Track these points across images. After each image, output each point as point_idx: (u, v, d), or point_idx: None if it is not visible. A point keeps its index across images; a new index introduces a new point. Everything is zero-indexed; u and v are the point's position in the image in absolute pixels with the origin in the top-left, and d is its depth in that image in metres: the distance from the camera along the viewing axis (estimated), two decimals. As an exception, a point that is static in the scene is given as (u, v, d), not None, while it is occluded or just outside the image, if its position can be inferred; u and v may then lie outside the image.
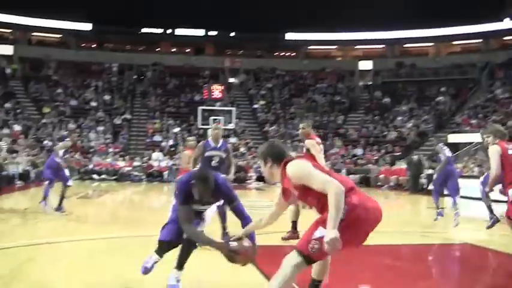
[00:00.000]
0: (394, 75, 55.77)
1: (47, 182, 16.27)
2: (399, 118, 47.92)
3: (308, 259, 5.32)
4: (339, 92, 54.64)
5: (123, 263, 8.57)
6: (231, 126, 38.59)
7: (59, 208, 15.86)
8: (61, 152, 16.43)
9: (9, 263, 8.46)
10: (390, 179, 34.23)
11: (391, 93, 52.39)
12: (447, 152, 16.66)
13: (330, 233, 4.99)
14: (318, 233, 5.26)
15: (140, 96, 51.33)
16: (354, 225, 5.30)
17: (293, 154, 6.07)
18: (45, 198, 16.04)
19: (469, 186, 27.48)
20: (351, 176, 38.05)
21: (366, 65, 58.23)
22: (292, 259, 5.31)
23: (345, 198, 5.25)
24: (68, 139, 17.06)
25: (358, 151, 42.66)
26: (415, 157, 32.68)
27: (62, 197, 16.13)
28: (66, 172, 16.46)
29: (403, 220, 17.21)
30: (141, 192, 28.54)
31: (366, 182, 36.48)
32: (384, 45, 59.23)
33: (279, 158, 5.76)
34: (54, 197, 16.50)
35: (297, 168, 5.52)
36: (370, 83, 56.00)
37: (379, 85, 54.97)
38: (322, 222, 5.28)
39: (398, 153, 39.86)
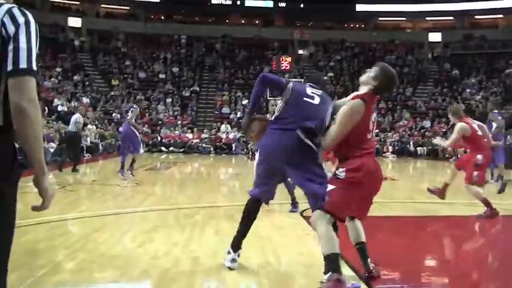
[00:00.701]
0: (463, 47, 54.98)
1: (125, 152, 17.95)
2: (468, 90, 47.31)
3: (330, 213, 5.62)
4: (408, 64, 54.02)
5: (189, 234, 8.60)
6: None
7: (130, 168, 17.73)
8: (133, 121, 17.66)
9: (76, 233, 8.57)
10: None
11: (460, 66, 51.68)
12: (501, 120, 16.75)
13: None
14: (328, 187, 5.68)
15: (209, 68, 51.61)
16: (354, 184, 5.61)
17: None
18: (122, 167, 17.53)
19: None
20: (418, 148, 37.81)
21: (435, 37, 57.27)
22: (319, 217, 5.66)
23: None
24: (135, 106, 18.21)
25: (427, 123, 42.25)
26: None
27: (133, 161, 17.84)
28: (139, 139, 17.91)
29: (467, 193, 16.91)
30: (208, 165, 28.69)
31: (433, 154, 36.17)
32: (453, 17, 58.22)
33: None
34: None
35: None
36: (439, 55, 55.03)
37: (448, 57, 54.10)
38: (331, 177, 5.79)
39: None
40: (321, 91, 6.61)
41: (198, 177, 21.68)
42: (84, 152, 29.02)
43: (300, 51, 55.59)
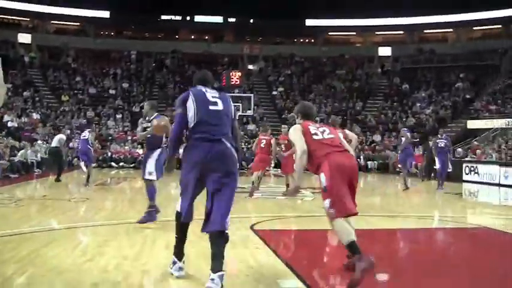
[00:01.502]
0: (413, 61, 55.58)
1: (82, 163, 21.63)
2: (418, 104, 47.81)
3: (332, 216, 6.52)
4: (358, 78, 54.55)
5: (140, 247, 8.62)
6: (249, 112, 38.59)
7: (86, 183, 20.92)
8: (91, 140, 21.05)
9: (26, 247, 8.50)
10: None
11: (410, 80, 52.32)
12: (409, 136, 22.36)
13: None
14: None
15: (159, 84, 51.48)
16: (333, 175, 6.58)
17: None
18: (88, 178, 21.00)
19: (488, 172, 27.50)
20: (369, 162, 38.11)
21: (385, 51, 57.96)
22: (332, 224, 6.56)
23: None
24: (90, 129, 21.52)
25: (377, 137, 42.59)
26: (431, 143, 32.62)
27: (88, 176, 21.10)
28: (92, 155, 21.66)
29: (417, 205, 17.24)
30: (159, 180, 28.52)
31: (384, 168, 36.51)
32: (403, 31, 59.03)
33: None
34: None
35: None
36: (389, 69, 55.60)
37: (398, 71, 54.75)
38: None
39: (416, 140, 39.62)
40: (217, 92, 6.86)
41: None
42: (35, 167, 28.75)
43: (250, 66, 55.71)
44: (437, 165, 23.36)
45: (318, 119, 10.79)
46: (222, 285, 5.91)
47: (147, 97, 48.19)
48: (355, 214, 6.64)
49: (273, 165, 34.64)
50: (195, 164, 6.40)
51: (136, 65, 54.45)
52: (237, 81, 43.00)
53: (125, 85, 50.16)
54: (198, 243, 7.63)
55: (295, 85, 52.71)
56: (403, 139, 22.21)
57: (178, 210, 6.70)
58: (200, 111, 6.50)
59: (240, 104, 37.95)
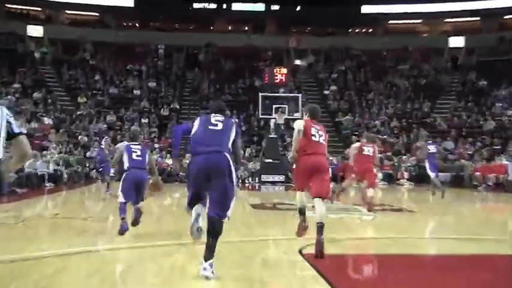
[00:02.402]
0: (492, 53, 54.43)
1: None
2: (498, 104, 46.92)
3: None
4: (425, 74, 54.09)
5: (168, 275, 8.55)
6: (297, 115, 38.43)
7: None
8: (107, 150, 22.80)
9: (36, 274, 8.46)
10: (488, 178, 33.50)
11: (488, 75, 51.22)
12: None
13: None
14: None
15: (191, 82, 51.61)
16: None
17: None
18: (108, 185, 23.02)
19: None
20: (440, 174, 37.38)
21: (457, 41, 57.17)
22: None
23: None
24: (106, 137, 21.73)
25: (449, 144, 41.91)
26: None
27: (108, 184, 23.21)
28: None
29: (500, 226, 16.91)
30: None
31: (458, 181, 35.72)
32: (479, 18, 58.25)
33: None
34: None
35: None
36: (462, 62, 54.90)
37: (473, 65, 53.89)
38: None
39: (497, 147, 39.00)
40: (223, 117, 9.51)
41: (178, 210, 21.44)
42: (46, 180, 28.80)
43: (297, 62, 55.61)
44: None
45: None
46: (213, 271, 8.20)
47: (177, 98, 48.52)
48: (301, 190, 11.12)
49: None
50: (196, 173, 8.96)
51: (165, 61, 54.69)
52: (281, 79, 42.99)
53: (152, 84, 50.33)
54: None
55: (350, 83, 52.54)
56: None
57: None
58: (200, 129, 9.21)
59: (286, 106, 37.85)
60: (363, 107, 48.38)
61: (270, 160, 36.56)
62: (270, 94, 40.38)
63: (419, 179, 36.12)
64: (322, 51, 56.98)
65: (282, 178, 35.53)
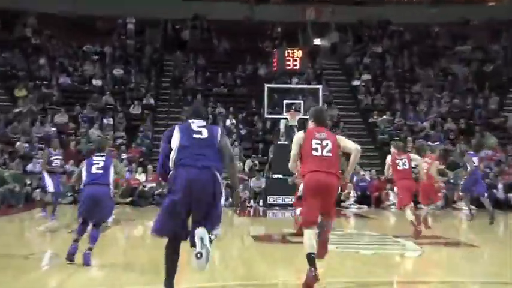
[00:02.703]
0: None
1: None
2: None
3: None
4: (492, 58, 53.93)
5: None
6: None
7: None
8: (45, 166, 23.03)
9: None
10: None
11: None
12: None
13: None
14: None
15: (171, 70, 51.61)
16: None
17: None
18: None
19: None
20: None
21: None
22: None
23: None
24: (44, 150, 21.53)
25: (526, 156, 41.80)
26: None
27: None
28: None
29: None
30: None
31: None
32: None
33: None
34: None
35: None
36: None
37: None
38: None
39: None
40: (205, 122, 10.94)
41: (154, 243, 21.43)
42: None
43: (317, 41, 55.73)
44: None
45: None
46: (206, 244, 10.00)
47: (153, 91, 48.28)
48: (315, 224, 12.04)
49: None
50: (179, 189, 10.23)
51: (136, 40, 54.58)
52: (295, 65, 42.67)
53: (118, 72, 50.08)
54: None
55: (389, 71, 52.46)
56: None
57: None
58: (183, 139, 10.47)
59: (301, 102, 37.80)
60: (406, 104, 48.40)
61: (279, 176, 35.61)
62: (279, 86, 40.43)
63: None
64: (350, 26, 57.00)
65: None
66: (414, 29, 56.52)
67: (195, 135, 10.46)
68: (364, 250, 17.48)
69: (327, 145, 11.79)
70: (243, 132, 42.10)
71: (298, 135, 12.45)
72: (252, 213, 33.19)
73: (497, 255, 18.40)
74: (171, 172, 10.50)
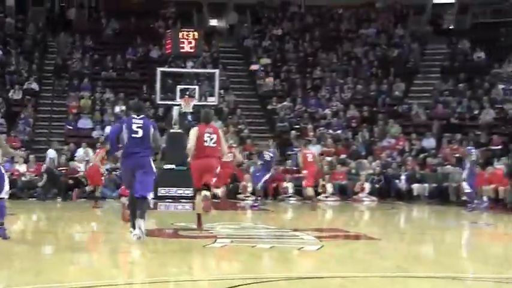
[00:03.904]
0: (494, 12, 54.93)
1: None
2: (500, 87, 46.93)
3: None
4: (398, 42, 54.40)
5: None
6: (211, 101, 38.48)
7: None
8: None
9: None
10: (484, 191, 32.74)
11: (487, 46, 51.48)
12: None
13: None
14: None
15: (56, 52, 51.21)
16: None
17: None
18: None
19: None
20: (415, 185, 37.40)
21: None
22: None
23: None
24: None
25: (429, 142, 42.15)
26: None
27: None
28: None
29: (497, 259, 17.18)
30: (54, 218, 28.30)
31: (442, 195, 35.72)
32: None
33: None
34: None
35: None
36: (451, 26, 55.32)
37: (466, 30, 54.52)
38: None
39: (497, 147, 38.94)
40: (143, 120, 16.84)
41: (34, 241, 21.26)
42: None
43: (213, 22, 55.60)
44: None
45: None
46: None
47: (35, 75, 47.74)
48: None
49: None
50: (127, 167, 17.09)
51: (16, 18, 53.83)
52: (190, 48, 42.50)
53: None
54: None
55: (289, 54, 52.66)
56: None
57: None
58: (128, 138, 16.40)
59: (197, 87, 37.73)
60: (308, 90, 48.70)
61: (172, 166, 35.75)
62: (173, 70, 40.42)
63: (385, 192, 36.50)
64: (249, 6, 57.07)
65: (189, 192, 33.86)
66: (316, 11, 56.70)
67: (133, 135, 16.27)
68: (261, 244, 17.58)
69: (213, 138, 16.85)
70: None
71: (192, 133, 18.09)
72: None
73: (398, 247, 18.72)
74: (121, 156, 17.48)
